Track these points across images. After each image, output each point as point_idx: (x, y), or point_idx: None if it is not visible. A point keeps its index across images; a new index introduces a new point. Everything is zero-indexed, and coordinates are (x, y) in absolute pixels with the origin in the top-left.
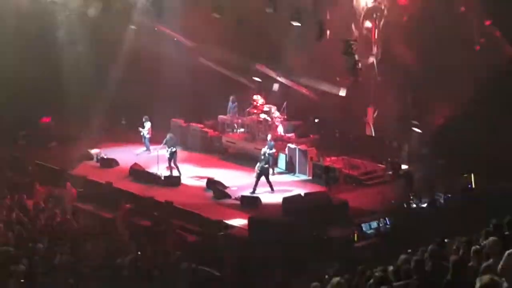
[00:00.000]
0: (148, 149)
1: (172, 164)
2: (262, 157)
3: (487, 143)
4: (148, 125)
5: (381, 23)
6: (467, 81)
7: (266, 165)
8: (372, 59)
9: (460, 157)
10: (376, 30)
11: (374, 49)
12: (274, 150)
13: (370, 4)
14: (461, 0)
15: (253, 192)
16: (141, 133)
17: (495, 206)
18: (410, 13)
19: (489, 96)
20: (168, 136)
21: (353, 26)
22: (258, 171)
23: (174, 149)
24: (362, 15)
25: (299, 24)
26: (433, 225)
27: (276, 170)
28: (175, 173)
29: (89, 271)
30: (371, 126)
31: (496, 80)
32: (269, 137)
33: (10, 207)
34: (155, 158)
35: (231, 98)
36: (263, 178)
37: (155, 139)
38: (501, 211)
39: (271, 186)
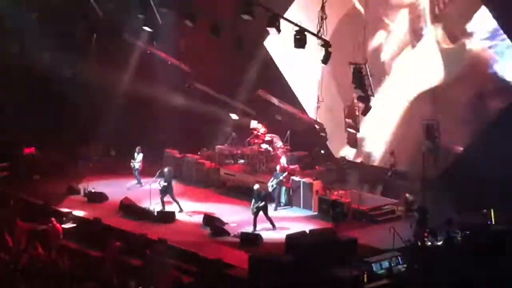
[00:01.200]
0: (139, 182)
1: (171, 199)
2: (257, 195)
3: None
4: (140, 157)
5: None
6: None
7: (262, 203)
8: None
9: (479, 190)
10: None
11: None
12: (257, 186)
13: None
14: None
15: (254, 230)
16: (132, 165)
17: None
18: None
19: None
20: (166, 169)
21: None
22: (255, 210)
23: (167, 184)
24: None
25: (302, 48)
26: (450, 265)
27: (279, 207)
28: (172, 208)
29: None
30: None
31: None
32: (278, 168)
33: None
34: (147, 192)
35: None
36: (261, 214)
37: (148, 172)
38: None
39: (272, 222)
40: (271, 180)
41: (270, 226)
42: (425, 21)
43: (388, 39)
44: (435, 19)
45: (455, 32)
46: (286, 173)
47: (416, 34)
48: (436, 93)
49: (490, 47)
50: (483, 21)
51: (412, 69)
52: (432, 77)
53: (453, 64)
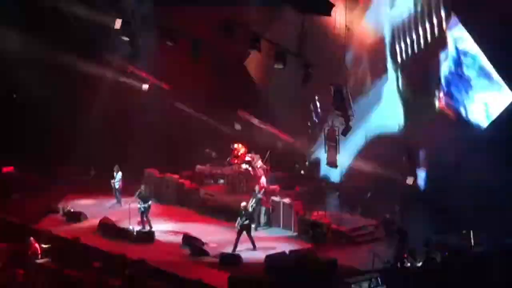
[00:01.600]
0: (119, 201)
1: (145, 219)
2: (244, 212)
3: (488, 197)
4: (119, 175)
5: None
6: None
7: (248, 221)
8: None
9: (458, 212)
10: None
11: None
12: (244, 203)
13: None
14: None
15: (234, 250)
16: (112, 185)
17: (497, 266)
18: None
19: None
20: (142, 188)
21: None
22: (239, 228)
23: (149, 203)
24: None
25: (282, 67)
26: (429, 286)
27: (259, 227)
28: (147, 228)
29: None
30: None
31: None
32: (257, 188)
33: None
34: (126, 212)
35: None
36: (244, 234)
37: (127, 191)
38: (504, 272)
39: (253, 242)
40: (250, 200)
41: (250, 246)
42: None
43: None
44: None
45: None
46: (263, 190)
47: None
48: None
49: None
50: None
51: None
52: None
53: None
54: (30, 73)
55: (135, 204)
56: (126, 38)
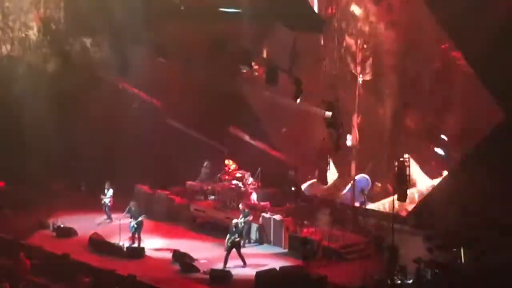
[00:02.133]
0: (109, 217)
1: (136, 235)
2: (234, 228)
3: (480, 212)
4: (110, 192)
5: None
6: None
7: (238, 238)
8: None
9: (450, 229)
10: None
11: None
12: (249, 218)
13: None
14: None
15: (224, 266)
16: (103, 201)
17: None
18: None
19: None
20: (131, 204)
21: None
22: (229, 245)
23: (140, 219)
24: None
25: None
26: None
27: (248, 244)
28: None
29: None
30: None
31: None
32: (241, 206)
33: None
34: (117, 228)
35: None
36: (234, 251)
37: (117, 207)
38: None
39: (243, 259)
40: (240, 217)
41: (241, 262)
42: None
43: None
44: None
45: None
46: (247, 212)
47: None
48: None
49: None
50: None
51: None
52: None
53: None
54: (21, 87)
55: (126, 220)
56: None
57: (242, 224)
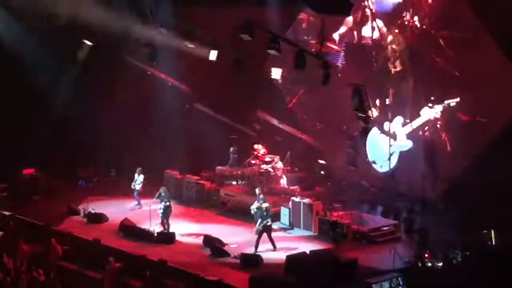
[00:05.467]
0: (139, 203)
1: (165, 220)
2: (265, 213)
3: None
4: (141, 178)
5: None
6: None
7: (270, 222)
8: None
9: (479, 211)
10: None
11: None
12: (267, 204)
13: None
14: None
15: (255, 251)
16: (133, 187)
17: None
18: None
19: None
20: (162, 190)
21: None
22: (261, 228)
23: (168, 204)
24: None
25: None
26: (450, 286)
27: (278, 225)
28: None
29: None
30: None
31: None
32: (257, 191)
33: None
34: (147, 213)
35: (232, 149)
36: (265, 235)
37: (147, 193)
38: None
39: (273, 243)
40: (255, 202)
41: (271, 247)
42: None
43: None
44: None
45: None
46: (263, 197)
47: None
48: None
49: None
50: None
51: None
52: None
53: None
54: (51, 74)
55: (156, 206)
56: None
57: (255, 210)
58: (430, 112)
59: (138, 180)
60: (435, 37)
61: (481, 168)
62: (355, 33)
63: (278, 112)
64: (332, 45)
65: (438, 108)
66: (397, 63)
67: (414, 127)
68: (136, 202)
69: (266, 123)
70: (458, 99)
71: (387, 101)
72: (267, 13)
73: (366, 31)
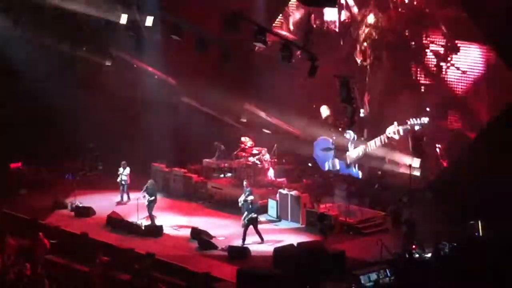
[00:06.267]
0: (128, 197)
1: (148, 213)
2: (250, 205)
3: (496, 186)
4: (126, 171)
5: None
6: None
7: (255, 215)
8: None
9: (466, 202)
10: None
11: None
12: (252, 197)
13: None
14: None
15: (243, 243)
16: (119, 181)
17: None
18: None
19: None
20: (149, 182)
21: None
22: (246, 222)
23: (152, 198)
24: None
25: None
26: (438, 276)
27: (265, 217)
28: (156, 222)
29: None
30: None
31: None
32: (244, 183)
33: None
34: (134, 206)
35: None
36: (251, 228)
37: (135, 186)
38: None
39: (260, 236)
40: (242, 195)
41: (258, 239)
42: None
43: None
44: None
45: None
46: (249, 190)
47: None
48: None
49: None
50: None
51: None
52: None
53: None
54: (37, 67)
55: (143, 199)
56: (132, 34)
57: (242, 202)
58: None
59: (124, 173)
60: (431, 17)
61: (470, 159)
62: (312, 17)
63: (265, 104)
64: (285, 33)
65: (401, 129)
66: (368, 53)
67: (370, 149)
68: (126, 196)
69: (253, 115)
70: (426, 120)
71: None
72: (254, 5)
73: (329, 14)
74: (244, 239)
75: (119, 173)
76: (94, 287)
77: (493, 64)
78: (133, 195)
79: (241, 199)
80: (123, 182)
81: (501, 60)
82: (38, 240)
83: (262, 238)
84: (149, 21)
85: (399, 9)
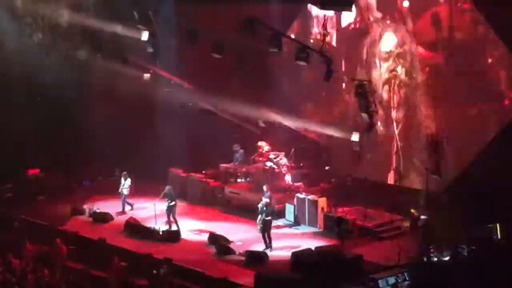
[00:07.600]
0: (130, 205)
1: (171, 218)
2: (265, 208)
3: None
4: (128, 182)
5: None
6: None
7: (268, 217)
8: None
9: (484, 205)
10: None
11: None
12: (266, 200)
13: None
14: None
15: (267, 247)
16: (120, 191)
17: None
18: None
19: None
20: (167, 188)
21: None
22: (261, 225)
23: (173, 203)
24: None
25: (305, 63)
26: (457, 280)
27: (283, 222)
28: (174, 227)
29: None
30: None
31: None
32: (265, 187)
33: None
34: (152, 212)
35: (235, 146)
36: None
37: (153, 191)
38: None
39: (270, 241)
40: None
41: (280, 242)
42: None
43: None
44: None
45: None
46: (269, 194)
47: None
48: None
49: None
50: None
51: None
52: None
53: None
54: (53, 75)
55: (160, 204)
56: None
57: (260, 206)
58: None
59: (125, 184)
60: None
61: (486, 160)
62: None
63: (283, 109)
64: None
65: None
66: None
67: None
68: (129, 207)
69: (270, 120)
70: None
71: None
72: (269, 9)
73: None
74: (266, 243)
75: (121, 184)
76: None
77: None
78: (149, 202)
79: (260, 205)
80: (124, 193)
81: None
82: (56, 246)
83: (271, 246)
84: (144, 36)
85: None
